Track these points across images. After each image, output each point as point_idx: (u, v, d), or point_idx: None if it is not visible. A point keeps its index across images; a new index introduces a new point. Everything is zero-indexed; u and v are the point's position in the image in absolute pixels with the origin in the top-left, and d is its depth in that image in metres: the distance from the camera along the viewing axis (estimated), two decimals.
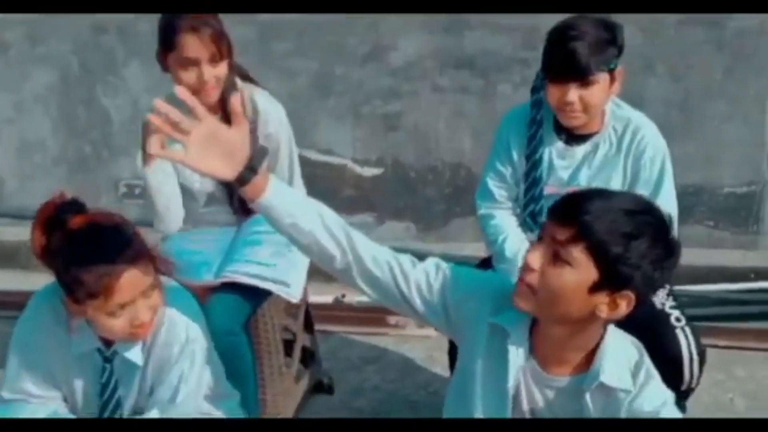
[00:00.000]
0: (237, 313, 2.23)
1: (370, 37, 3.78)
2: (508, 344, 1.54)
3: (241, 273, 2.25)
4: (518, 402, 1.57)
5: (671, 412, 1.49)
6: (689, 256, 3.11)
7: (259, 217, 2.37)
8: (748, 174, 3.66)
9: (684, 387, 2.06)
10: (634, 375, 1.50)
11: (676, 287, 2.98)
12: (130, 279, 1.57)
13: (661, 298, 2.16)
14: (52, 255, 1.61)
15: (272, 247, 2.30)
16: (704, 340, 2.30)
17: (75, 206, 1.64)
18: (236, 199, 2.33)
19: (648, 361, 1.54)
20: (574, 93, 2.01)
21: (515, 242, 2.23)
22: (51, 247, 1.61)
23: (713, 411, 2.69)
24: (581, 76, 1.99)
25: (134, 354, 1.71)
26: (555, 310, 1.46)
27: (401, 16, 3.67)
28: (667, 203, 2.14)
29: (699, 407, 2.55)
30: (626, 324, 1.95)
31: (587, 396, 1.50)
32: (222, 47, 2.20)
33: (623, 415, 1.48)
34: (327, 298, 3.34)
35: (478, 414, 1.57)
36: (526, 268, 1.47)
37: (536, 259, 1.45)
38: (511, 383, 1.54)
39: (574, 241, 1.41)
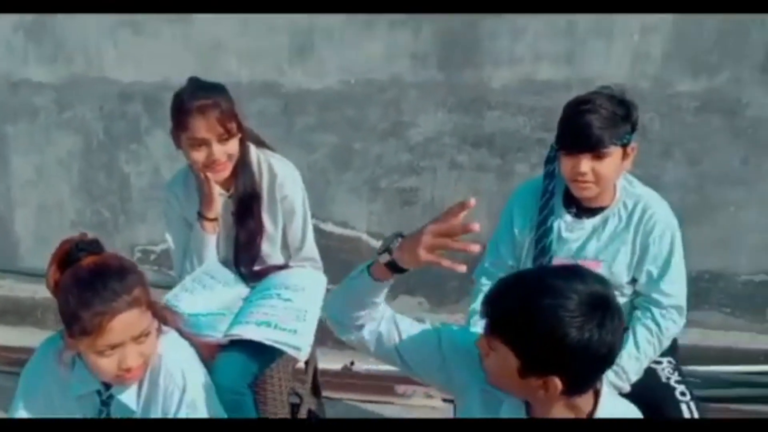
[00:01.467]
0: (243, 371, 2.23)
1: (390, 112, 3.84)
2: (501, 412, 1.59)
3: (250, 333, 2.25)
4: None
5: None
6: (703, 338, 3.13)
7: (269, 281, 2.39)
8: (765, 262, 3.63)
9: None
10: None
11: (689, 367, 2.98)
12: (124, 322, 1.61)
13: (666, 372, 2.17)
14: (60, 290, 1.66)
15: (282, 311, 2.30)
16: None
17: (92, 246, 1.70)
18: (241, 264, 2.40)
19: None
20: (586, 164, 2.06)
21: None
22: (61, 282, 1.65)
23: None
24: (594, 148, 2.04)
25: (128, 397, 1.73)
26: (507, 390, 1.55)
27: (422, 93, 3.74)
28: (676, 280, 2.18)
29: None
30: (631, 396, 1.96)
31: None
32: (230, 126, 2.26)
33: None
34: (336, 366, 3.36)
35: None
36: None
37: (480, 344, 1.55)
38: None
39: (494, 333, 1.50)
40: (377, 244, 4.00)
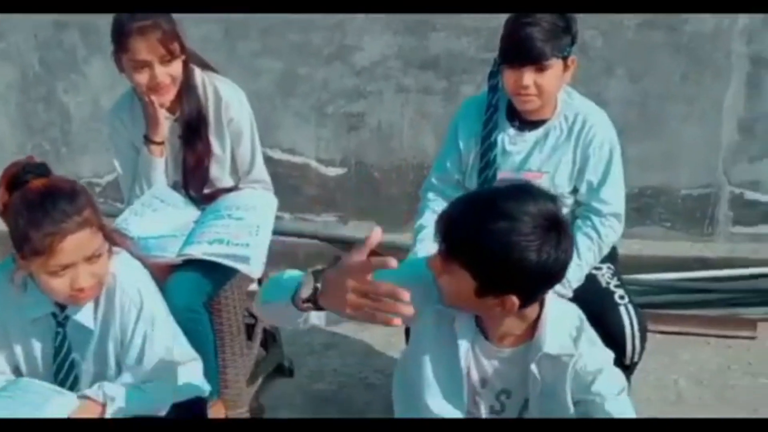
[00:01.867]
0: (197, 290, 2.28)
1: (335, 37, 3.79)
2: (455, 326, 1.64)
3: (202, 251, 2.27)
4: (469, 374, 1.66)
5: (612, 371, 1.61)
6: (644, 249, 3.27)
7: (220, 203, 2.42)
8: (704, 176, 3.73)
9: (627, 361, 2.16)
10: (576, 340, 1.60)
11: (631, 276, 3.14)
12: (75, 242, 1.63)
13: (606, 278, 2.28)
14: (9, 212, 1.67)
15: (235, 228, 2.32)
16: (652, 326, 2.54)
17: (39, 169, 1.71)
18: (190, 187, 2.43)
19: (588, 327, 1.65)
20: (529, 77, 2.11)
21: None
22: (11, 205, 1.67)
23: (659, 390, 2.85)
24: (536, 61, 2.09)
25: (84, 317, 1.77)
26: (462, 308, 1.58)
27: (367, 16, 3.70)
28: (615, 189, 2.27)
29: (647, 387, 2.72)
30: (573, 301, 2.07)
31: (533, 366, 1.59)
32: (172, 47, 2.24)
33: (569, 376, 1.58)
34: None
35: (432, 394, 1.65)
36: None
37: (433, 265, 1.56)
38: (462, 363, 1.63)
39: (450, 256, 1.53)
40: (326, 170, 4.01)
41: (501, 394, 1.68)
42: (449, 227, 1.53)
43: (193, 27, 3.76)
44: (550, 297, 1.64)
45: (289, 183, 4.03)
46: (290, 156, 4.02)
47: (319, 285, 1.42)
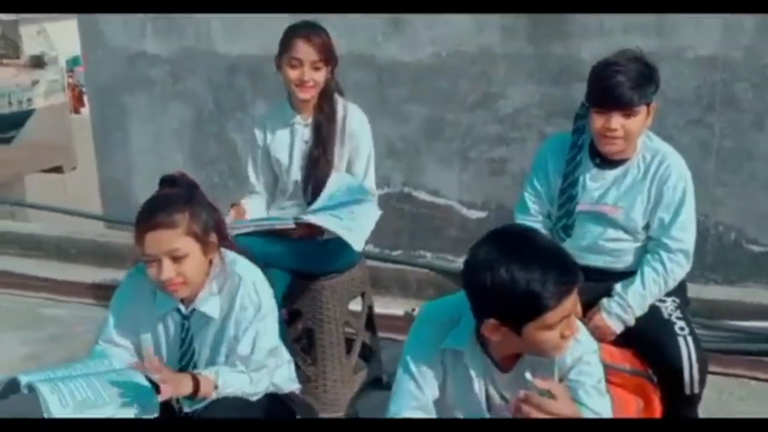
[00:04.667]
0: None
1: (480, 84, 3.95)
2: (466, 360, 1.77)
3: (315, 219, 2.56)
4: (489, 399, 1.78)
5: (593, 361, 1.74)
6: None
7: (336, 195, 2.71)
8: None
9: (687, 391, 2.17)
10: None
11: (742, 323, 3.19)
12: (153, 239, 1.93)
13: (669, 310, 2.31)
14: None
15: (347, 214, 2.59)
16: (747, 373, 2.73)
17: (171, 179, 2.06)
18: (309, 193, 2.73)
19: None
20: (617, 122, 2.22)
21: None
22: None
23: None
24: (625, 107, 2.20)
25: (210, 308, 2.05)
26: (502, 355, 1.72)
27: (511, 64, 3.83)
28: (686, 227, 2.33)
29: None
30: (634, 331, 2.21)
31: (527, 374, 1.65)
32: (325, 56, 2.64)
33: (556, 369, 1.71)
34: (399, 311, 3.60)
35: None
36: None
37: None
38: (476, 388, 1.77)
39: None
40: (468, 212, 4.15)
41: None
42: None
43: (347, 73, 4.06)
44: None
45: (432, 224, 4.20)
46: (434, 198, 4.19)
47: None
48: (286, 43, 2.65)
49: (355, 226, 2.57)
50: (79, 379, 1.96)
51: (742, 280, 3.74)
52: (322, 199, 2.66)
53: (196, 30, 4.42)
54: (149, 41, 4.58)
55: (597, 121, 2.25)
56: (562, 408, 1.57)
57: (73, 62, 11.53)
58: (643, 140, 2.35)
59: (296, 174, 2.77)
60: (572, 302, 1.60)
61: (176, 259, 1.95)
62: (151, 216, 1.93)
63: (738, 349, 3.27)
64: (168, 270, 1.94)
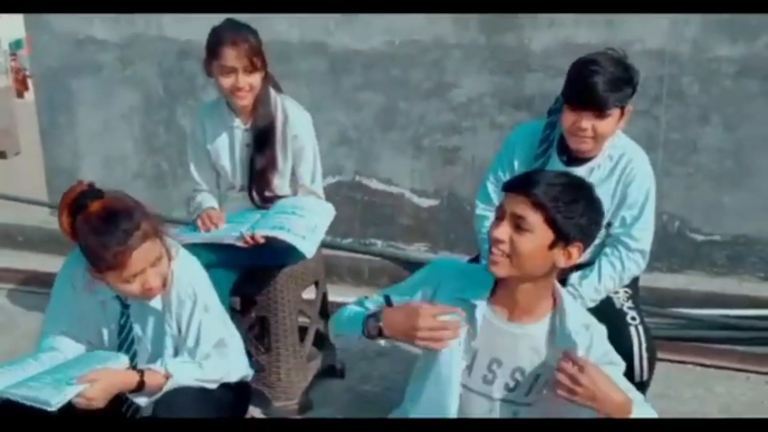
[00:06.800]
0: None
1: (433, 73, 3.96)
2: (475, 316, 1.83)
3: (265, 233, 2.53)
4: (475, 357, 1.85)
5: (615, 358, 1.82)
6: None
7: (286, 201, 2.73)
8: None
9: (636, 379, 2.22)
10: (587, 327, 1.80)
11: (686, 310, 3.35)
12: (141, 254, 1.89)
13: (621, 300, 2.38)
14: (77, 234, 1.92)
15: (296, 221, 2.60)
16: (692, 359, 2.84)
17: (94, 192, 1.95)
18: (254, 190, 2.71)
19: (596, 322, 1.84)
20: (588, 122, 2.22)
21: None
22: (75, 228, 1.92)
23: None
24: (598, 108, 2.19)
25: (155, 301, 2.04)
26: (526, 269, 1.73)
27: (466, 55, 3.86)
28: (646, 227, 2.40)
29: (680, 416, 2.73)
30: None
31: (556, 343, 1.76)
32: (256, 60, 2.57)
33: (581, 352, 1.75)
34: (352, 299, 3.55)
35: (436, 371, 1.88)
36: (495, 241, 1.72)
37: (503, 233, 1.71)
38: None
39: (531, 211, 1.69)
40: (419, 200, 4.17)
41: (515, 372, 1.82)
42: (532, 183, 1.69)
43: (300, 60, 4.04)
44: (565, 294, 1.83)
45: (383, 212, 4.21)
46: (386, 186, 4.21)
47: (381, 324, 1.82)
48: (213, 50, 2.56)
49: (309, 234, 2.57)
50: (46, 376, 1.93)
51: (684, 269, 3.84)
52: (271, 215, 2.65)
53: (146, 15, 4.33)
54: (97, 26, 4.48)
55: (569, 118, 2.25)
56: (609, 388, 1.66)
57: (16, 45, 11.23)
58: (611, 138, 2.34)
59: (240, 179, 2.75)
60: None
61: (154, 264, 1.94)
62: (126, 236, 1.86)
63: (683, 336, 3.38)
64: (154, 277, 1.94)
